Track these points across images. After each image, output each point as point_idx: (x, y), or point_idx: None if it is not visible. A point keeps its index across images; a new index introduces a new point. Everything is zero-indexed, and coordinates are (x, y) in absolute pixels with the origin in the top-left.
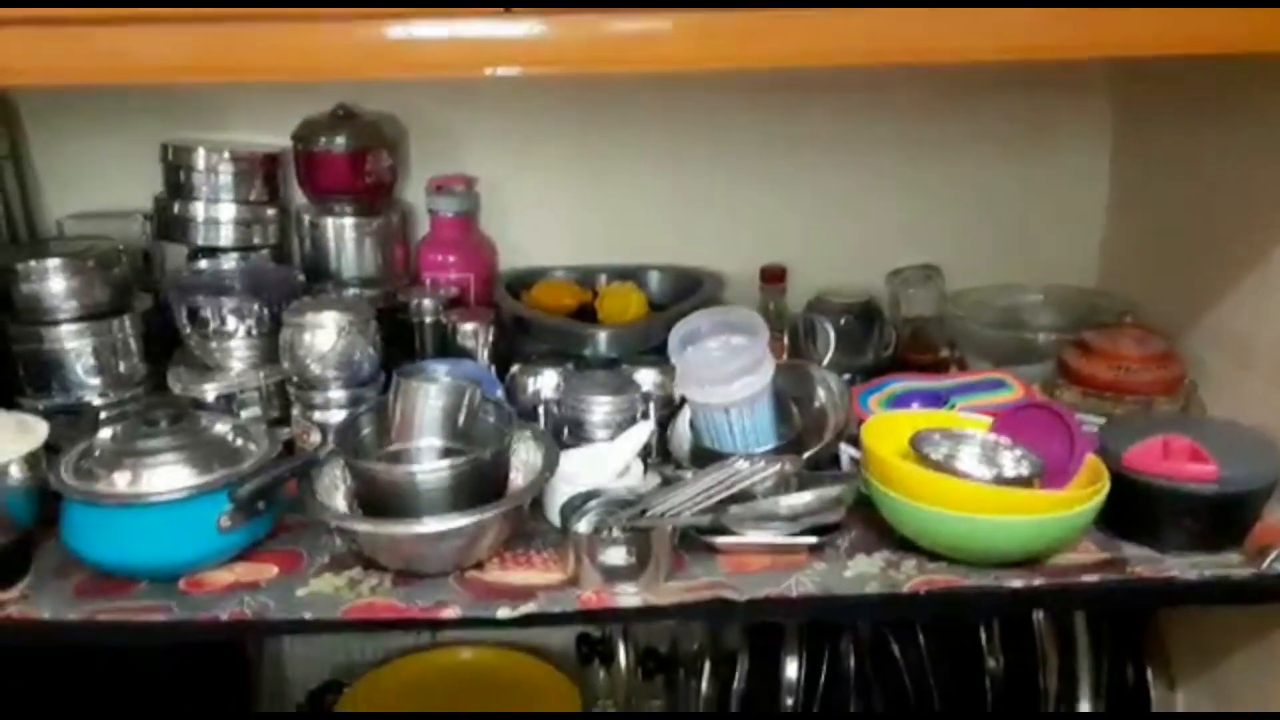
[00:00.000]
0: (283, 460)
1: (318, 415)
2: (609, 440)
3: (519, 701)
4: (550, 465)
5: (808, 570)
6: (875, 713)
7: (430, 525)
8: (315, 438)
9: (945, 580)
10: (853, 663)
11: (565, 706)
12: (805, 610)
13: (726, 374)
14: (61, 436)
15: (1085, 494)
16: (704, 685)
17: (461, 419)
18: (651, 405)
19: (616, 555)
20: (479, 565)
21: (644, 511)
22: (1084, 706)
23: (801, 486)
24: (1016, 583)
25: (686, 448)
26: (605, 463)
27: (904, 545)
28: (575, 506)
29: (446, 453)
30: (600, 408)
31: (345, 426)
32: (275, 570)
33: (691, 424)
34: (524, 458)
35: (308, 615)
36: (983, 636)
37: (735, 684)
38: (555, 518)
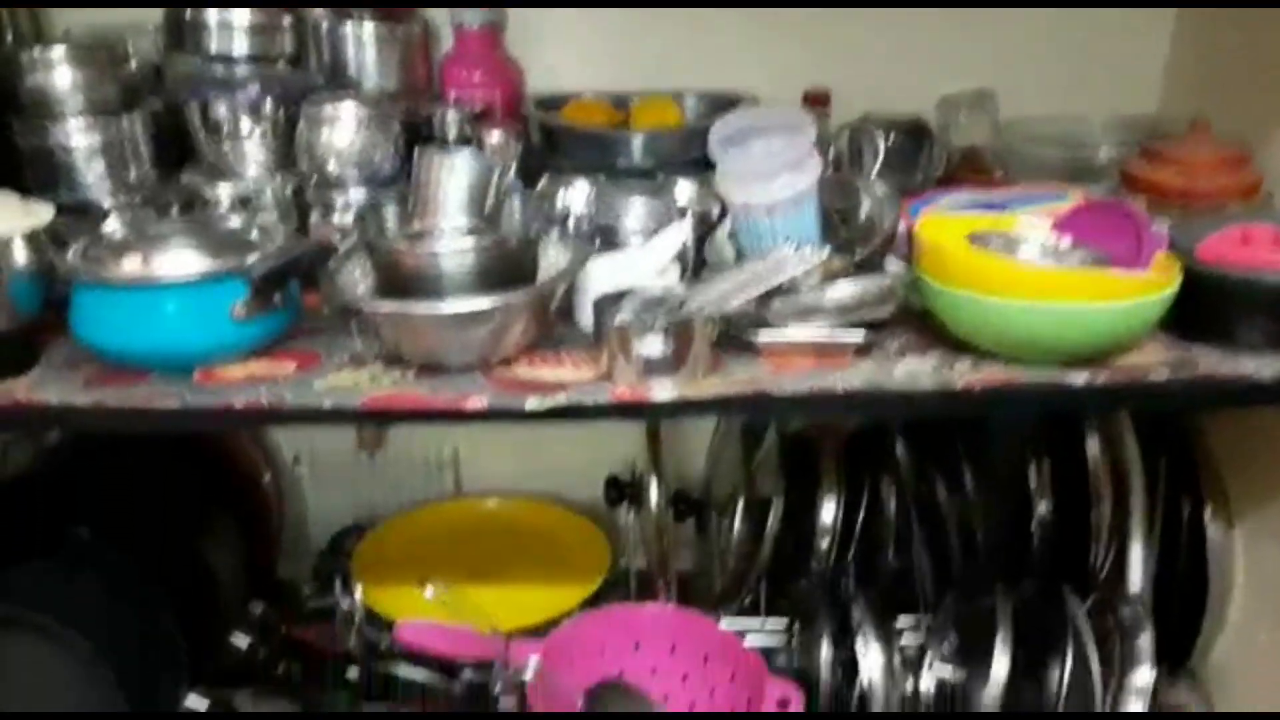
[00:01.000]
0: (300, 243)
1: (337, 219)
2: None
3: (546, 550)
4: (581, 260)
5: (854, 370)
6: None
7: (453, 305)
8: (336, 240)
9: (1003, 376)
10: (893, 507)
11: (594, 555)
12: (850, 406)
13: (769, 170)
14: (69, 233)
15: (1157, 279)
16: (736, 527)
17: (488, 203)
18: (689, 216)
19: (653, 346)
20: (506, 362)
21: (681, 306)
22: (1135, 547)
23: None
24: (1078, 379)
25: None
26: (639, 266)
27: (959, 348)
28: (609, 304)
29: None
30: (634, 212)
31: (366, 211)
32: (292, 367)
33: (732, 235)
34: (553, 259)
35: (326, 404)
36: (1032, 477)
37: (769, 526)
38: (586, 324)
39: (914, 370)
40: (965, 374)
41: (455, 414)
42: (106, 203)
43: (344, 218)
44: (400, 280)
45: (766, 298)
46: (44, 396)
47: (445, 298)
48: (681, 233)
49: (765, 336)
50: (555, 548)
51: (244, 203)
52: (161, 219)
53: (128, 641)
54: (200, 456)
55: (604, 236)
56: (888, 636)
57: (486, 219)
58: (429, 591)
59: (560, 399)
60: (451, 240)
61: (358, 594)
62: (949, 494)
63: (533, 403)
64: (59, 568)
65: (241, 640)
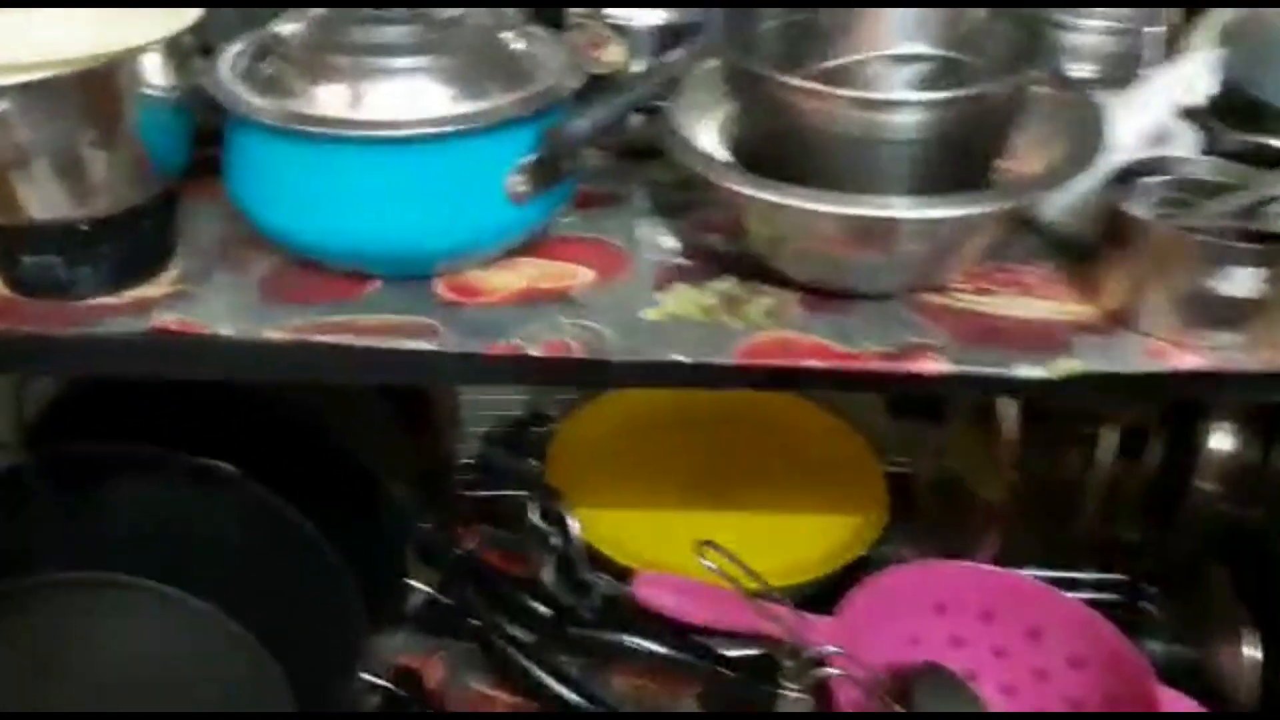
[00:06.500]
0: (642, 78)
1: (618, 14)
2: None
3: (792, 453)
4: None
5: None
6: None
7: (913, 210)
8: (615, 53)
9: None
10: None
11: (853, 457)
12: None
13: None
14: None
15: None
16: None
17: (962, 22)
18: None
19: (1237, 281)
20: (939, 287)
21: (1260, 205)
22: None
23: None
24: None
25: None
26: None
27: None
28: (1121, 178)
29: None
30: None
31: (730, 17)
32: (591, 275)
33: None
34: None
35: (680, 358)
36: None
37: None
38: (1052, 211)
39: None
40: None
41: (901, 379)
42: None
43: (629, 15)
44: (788, 143)
45: None
46: (205, 323)
47: (872, 187)
48: (1198, 66)
49: None
50: (801, 448)
51: None
52: (373, 16)
53: (293, 618)
54: None
55: None
56: None
57: (962, 46)
58: (707, 562)
59: (1072, 364)
60: (899, 79)
61: (573, 524)
62: None
63: (1026, 370)
64: (203, 517)
65: (419, 585)
